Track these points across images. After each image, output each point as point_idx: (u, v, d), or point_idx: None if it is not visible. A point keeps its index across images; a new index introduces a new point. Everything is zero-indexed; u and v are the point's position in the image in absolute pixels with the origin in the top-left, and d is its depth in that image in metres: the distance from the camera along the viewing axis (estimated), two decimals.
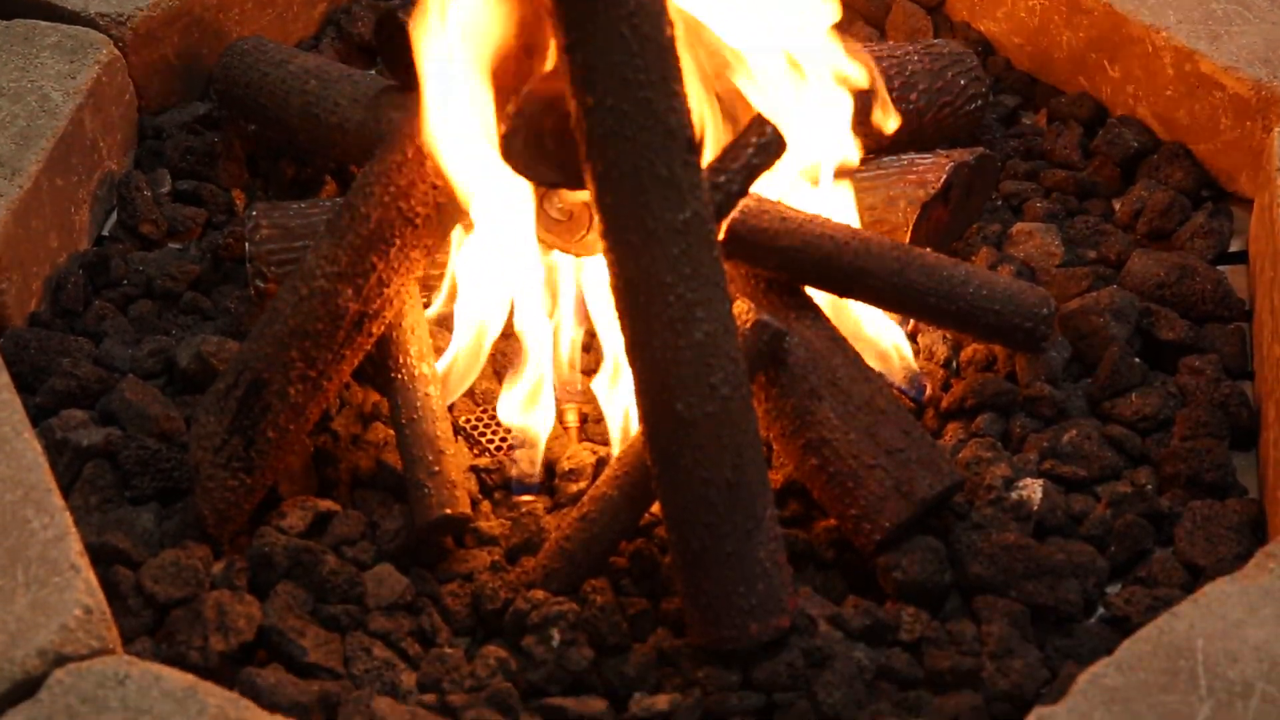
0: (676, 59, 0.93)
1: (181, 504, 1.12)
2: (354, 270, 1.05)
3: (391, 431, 1.15)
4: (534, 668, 1.00)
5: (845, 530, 1.08)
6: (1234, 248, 1.36)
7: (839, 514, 1.08)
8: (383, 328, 1.10)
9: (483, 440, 1.20)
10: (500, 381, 1.21)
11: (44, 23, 1.45)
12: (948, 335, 1.27)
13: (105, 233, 1.42)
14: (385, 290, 1.07)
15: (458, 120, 1.01)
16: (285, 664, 1.00)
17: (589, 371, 1.21)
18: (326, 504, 1.11)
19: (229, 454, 1.07)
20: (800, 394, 1.09)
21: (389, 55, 1.37)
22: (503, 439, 1.19)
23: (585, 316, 1.19)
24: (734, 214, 1.11)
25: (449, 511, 1.07)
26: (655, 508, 1.04)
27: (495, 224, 1.11)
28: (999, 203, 1.43)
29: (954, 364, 1.26)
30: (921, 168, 1.29)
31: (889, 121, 1.27)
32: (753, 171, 1.05)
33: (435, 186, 1.04)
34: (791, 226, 1.15)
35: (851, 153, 1.23)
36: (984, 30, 1.62)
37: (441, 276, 1.23)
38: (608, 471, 1.07)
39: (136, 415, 1.16)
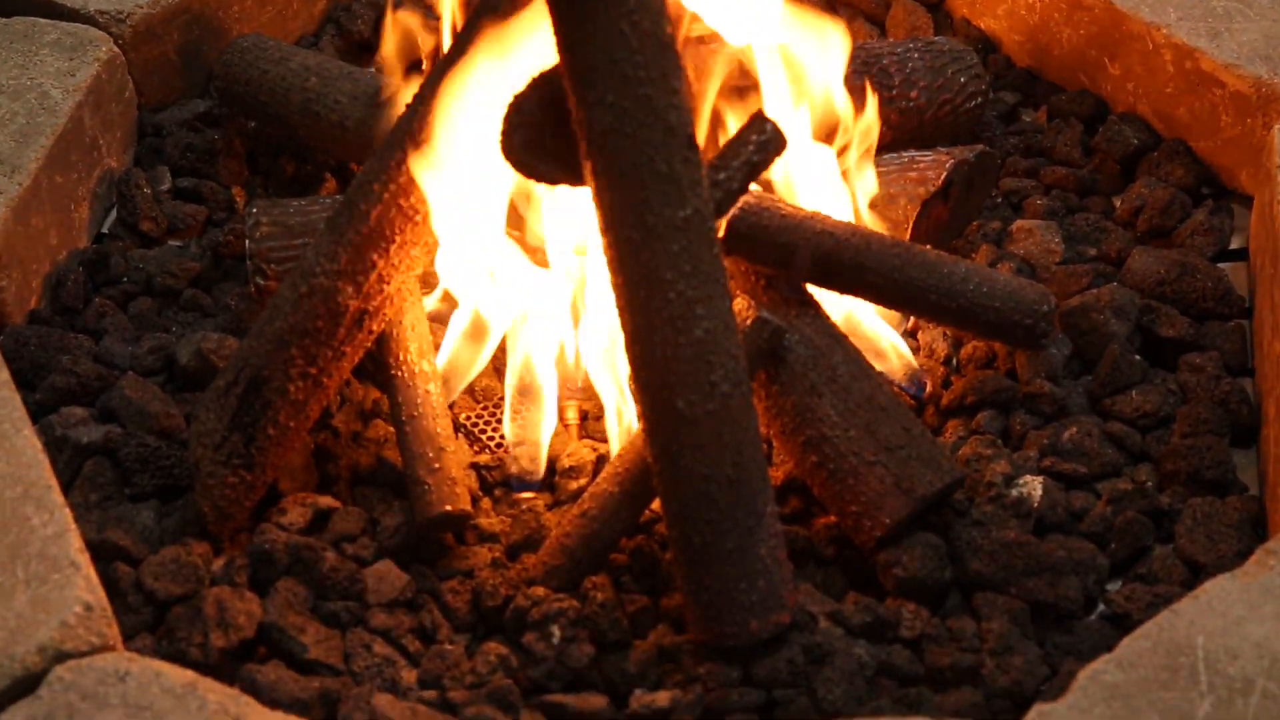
0: (677, 56, 0.93)
1: (182, 501, 1.12)
2: (354, 267, 1.05)
3: (392, 428, 1.15)
4: (534, 664, 1.00)
5: (845, 527, 1.08)
6: (1234, 245, 1.35)
7: (839, 511, 1.08)
8: (383, 325, 1.10)
9: (483, 437, 1.20)
10: (501, 379, 1.21)
11: (44, 20, 1.45)
12: (948, 332, 1.27)
13: (105, 230, 1.42)
14: (385, 287, 1.07)
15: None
16: (285, 661, 1.00)
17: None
18: (327, 501, 1.11)
19: (229, 451, 1.07)
20: (800, 391, 1.09)
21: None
22: (504, 436, 1.19)
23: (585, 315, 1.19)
24: (734, 210, 1.11)
25: (449, 508, 1.07)
26: (656, 504, 1.04)
27: (499, 221, 1.11)
28: (999, 200, 1.43)
29: (954, 361, 1.26)
30: (922, 165, 1.29)
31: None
32: (753, 168, 1.05)
33: None
34: (792, 223, 1.15)
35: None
36: (984, 27, 1.62)
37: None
38: (608, 468, 1.07)
39: (136, 412, 1.16)
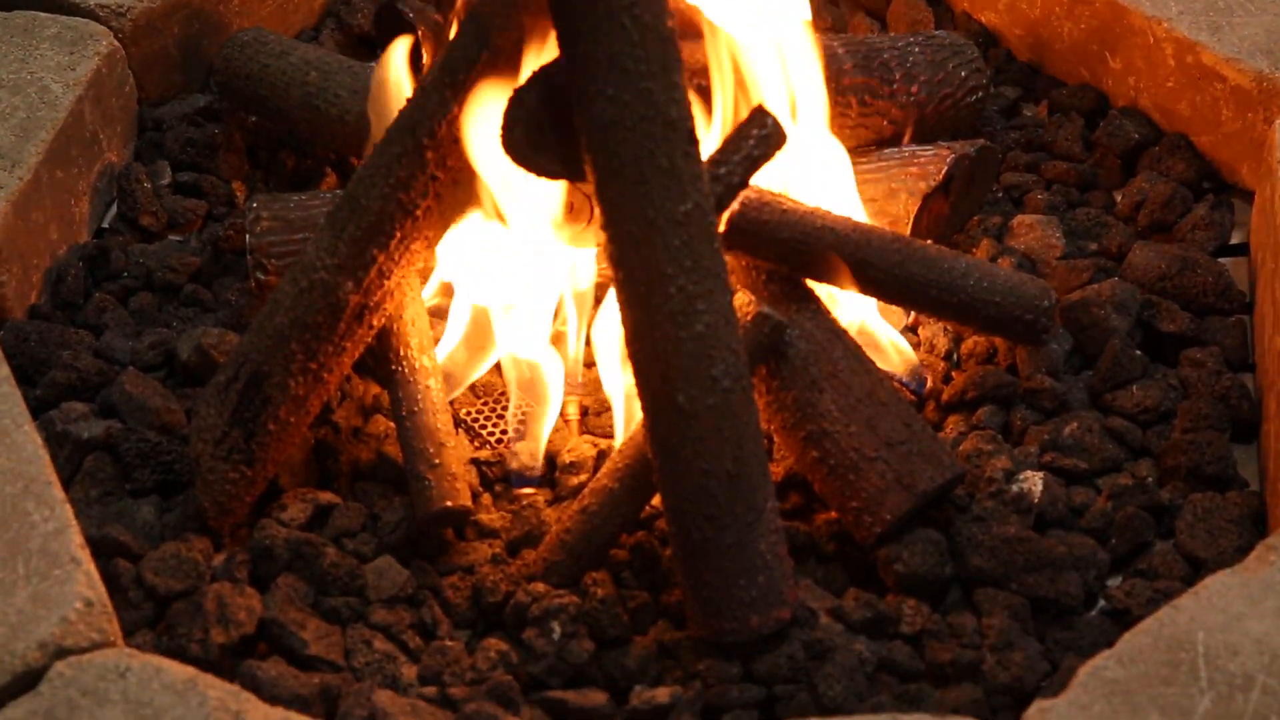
0: (677, 50, 0.93)
1: (182, 496, 1.12)
2: (354, 262, 1.05)
3: (392, 424, 1.15)
4: (535, 660, 1.00)
5: (846, 523, 1.08)
6: (1235, 240, 1.35)
7: (840, 506, 1.08)
8: (383, 320, 1.10)
9: (483, 433, 1.19)
10: (501, 375, 1.21)
11: (44, 14, 1.45)
12: (948, 327, 1.27)
13: (105, 225, 1.42)
14: (386, 282, 1.07)
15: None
16: (286, 657, 1.00)
17: (590, 364, 1.21)
18: (327, 496, 1.11)
19: (229, 446, 1.07)
20: (801, 386, 1.09)
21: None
22: (504, 431, 1.19)
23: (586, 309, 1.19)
24: (734, 205, 1.10)
25: (450, 504, 1.07)
26: (656, 500, 1.04)
27: (511, 217, 1.10)
28: (1000, 195, 1.43)
29: (955, 356, 1.26)
30: (922, 160, 1.29)
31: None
32: (754, 163, 1.05)
33: (435, 178, 1.04)
34: (792, 219, 1.15)
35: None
36: (985, 21, 1.62)
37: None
38: (608, 464, 1.07)
39: (137, 408, 1.16)
